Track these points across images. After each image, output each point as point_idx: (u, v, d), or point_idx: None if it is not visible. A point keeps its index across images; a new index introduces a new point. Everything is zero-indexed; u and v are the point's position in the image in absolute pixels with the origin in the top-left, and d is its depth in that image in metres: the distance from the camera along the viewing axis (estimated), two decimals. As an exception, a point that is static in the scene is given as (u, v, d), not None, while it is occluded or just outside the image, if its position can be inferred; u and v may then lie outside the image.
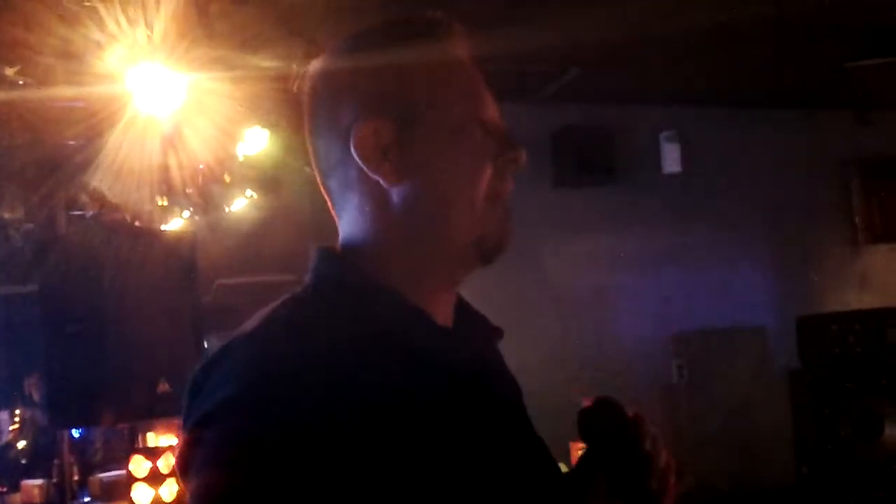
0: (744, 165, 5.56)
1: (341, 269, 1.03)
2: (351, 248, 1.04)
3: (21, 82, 3.52)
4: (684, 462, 1.31)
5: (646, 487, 1.07)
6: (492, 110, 1.05)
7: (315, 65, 1.07)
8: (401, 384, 0.91)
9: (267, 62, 4.04)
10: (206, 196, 5.28)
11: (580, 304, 4.87)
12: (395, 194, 1.00)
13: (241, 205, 5.57)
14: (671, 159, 5.51)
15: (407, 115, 1.00)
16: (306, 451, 0.82)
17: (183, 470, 0.87)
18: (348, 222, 1.05)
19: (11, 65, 3.35)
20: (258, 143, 4.43)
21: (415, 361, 0.95)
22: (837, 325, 4.96)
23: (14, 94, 3.52)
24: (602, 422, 1.08)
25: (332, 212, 1.08)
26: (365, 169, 1.00)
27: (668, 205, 5.37)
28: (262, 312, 0.96)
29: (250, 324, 0.94)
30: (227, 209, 5.59)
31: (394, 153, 0.99)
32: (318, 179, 1.08)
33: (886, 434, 4.59)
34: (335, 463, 0.83)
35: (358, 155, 0.99)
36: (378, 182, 1.00)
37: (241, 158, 4.70)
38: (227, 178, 5.09)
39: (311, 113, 1.06)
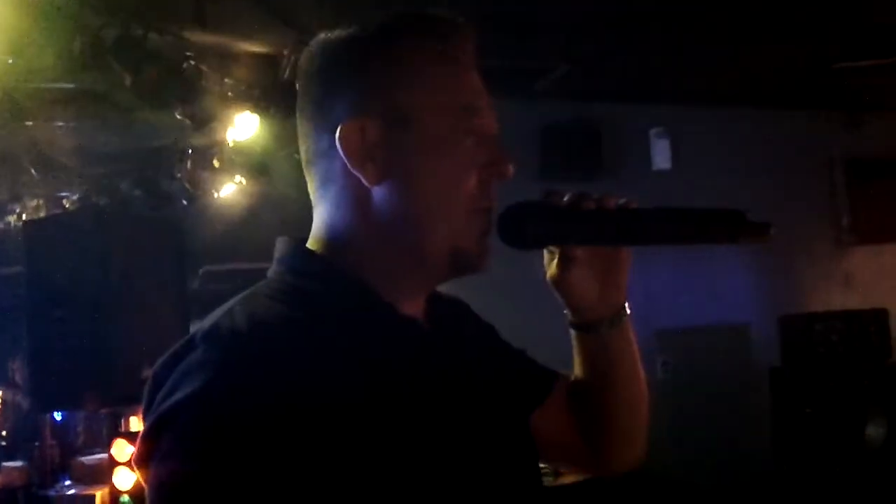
0: (732, 163, 5.57)
1: (307, 261, 1.02)
2: (322, 239, 1.03)
3: (10, 61, 3.51)
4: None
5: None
6: (486, 119, 1.03)
7: (314, 48, 1.05)
8: (362, 379, 0.91)
9: (258, 49, 4.03)
10: (195, 182, 5.27)
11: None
12: (375, 194, 0.99)
13: (230, 191, 5.55)
14: (661, 155, 5.52)
15: (397, 117, 0.98)
16: (264, 447, 0.82)
17: (142, 464, 0.87)
18: (324, 212, 1.03)
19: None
20: (248, 128, 4.42)
21: (378, 356, 0.95)
22: (820, 324, 4.99)
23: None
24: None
25: (311, 196, 1.06)
26: (348, 165, 0.98)
27: (656, 201, 5.36)
28: (224, 307, 0.95)
29: (210, 319, 0.93)
30: (215, 195, 5.57)
31: (378, 154, 0.98)
32: (303, 163, 1.06)
33: (868, 434, 4.62)
34: (292, 459, 0.83)
35: (343, 150, 0.98)
36: (359, 180, 0.99)
37: (230, 144, 4.69)
38: (217, 164, 5.09)
39: (304, 97, 1.04)
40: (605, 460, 1.28)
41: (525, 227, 1.05)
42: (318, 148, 1.02)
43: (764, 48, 4.62)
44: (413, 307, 1.03)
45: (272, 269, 1.04)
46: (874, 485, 4.48)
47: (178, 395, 0.85)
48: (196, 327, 0.95)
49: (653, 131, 5.50)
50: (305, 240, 1.05)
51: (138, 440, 0.88)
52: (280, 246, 1.05)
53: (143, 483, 0.88)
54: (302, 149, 1.05)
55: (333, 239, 1.02)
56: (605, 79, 4.98)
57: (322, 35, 1.05)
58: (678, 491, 4.65)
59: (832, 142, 5.88)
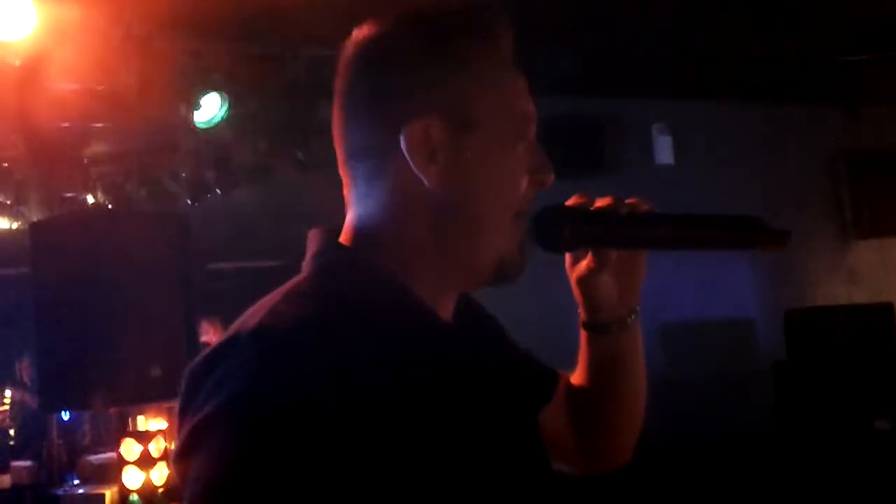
0: (735, 158, 5.57)
1: (347, 259, 1.00)
2: (361, 236, 1.01)
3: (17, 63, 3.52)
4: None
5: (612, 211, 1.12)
6: (534, 125, 1.04)
7: (364, 40, 1.01)
8: (406, 383, 0.91)
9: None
10: (199, 180, 5.27)
11: (570, 295, 4.83)
12: (431, 197, 0.97)
13: (235, 190, 5.55)
14: (664, 151, 5.52)
15: (463, 121, 0.97)
16: (315, 449, 0.82)
17: (183, 459, 0.86)
18: (367, 209, 1.01)
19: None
20: (214, 111, 4.17)
21: (421, 360, 0.95)
22: (825, 318, 5.00)
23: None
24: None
25: (347, 192, 1.03)
26: (412, 165, 0.96)
27: (659, 196, 5.33)
28: (265, 306, 0.93)
29: (253, 318, 0.91)
30: (219, 193, 5.57)
31: (443, 156, 0.96)
32: (339, 155, 1.03)
33: (876, 428, 4.62)
34: (342, 460, 0.83)
35: (407, 150, 0.96)
36: (416, 180, 0.97)
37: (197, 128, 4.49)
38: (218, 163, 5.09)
39: (353, 90, 1.01)
40: (595, 459, 1.30)
41: (563, 230, 1.09)
42: (369, 144, 0.99)
43: (766, 42, 4.61)
44: (446, 310, 1.04)
45: (308, 264, 1.02)
46: (882, 479, 4.48)
47: (228, 392, 0.84)
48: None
49: (655, 126, 5.51)
50: (338, 233, 1.03)
51: (181, 435, 0.87)
52: (314, 240, 1.03)
53: (178, 478, 0.87)
54: (344, 142, 1.02)
55: (373, 236, 1.00)
56: (607, 73, 4.97)
57: (370, 26, 1.01)
58: (682, 484, 4.66)
59: (835, 135, 5.87)
